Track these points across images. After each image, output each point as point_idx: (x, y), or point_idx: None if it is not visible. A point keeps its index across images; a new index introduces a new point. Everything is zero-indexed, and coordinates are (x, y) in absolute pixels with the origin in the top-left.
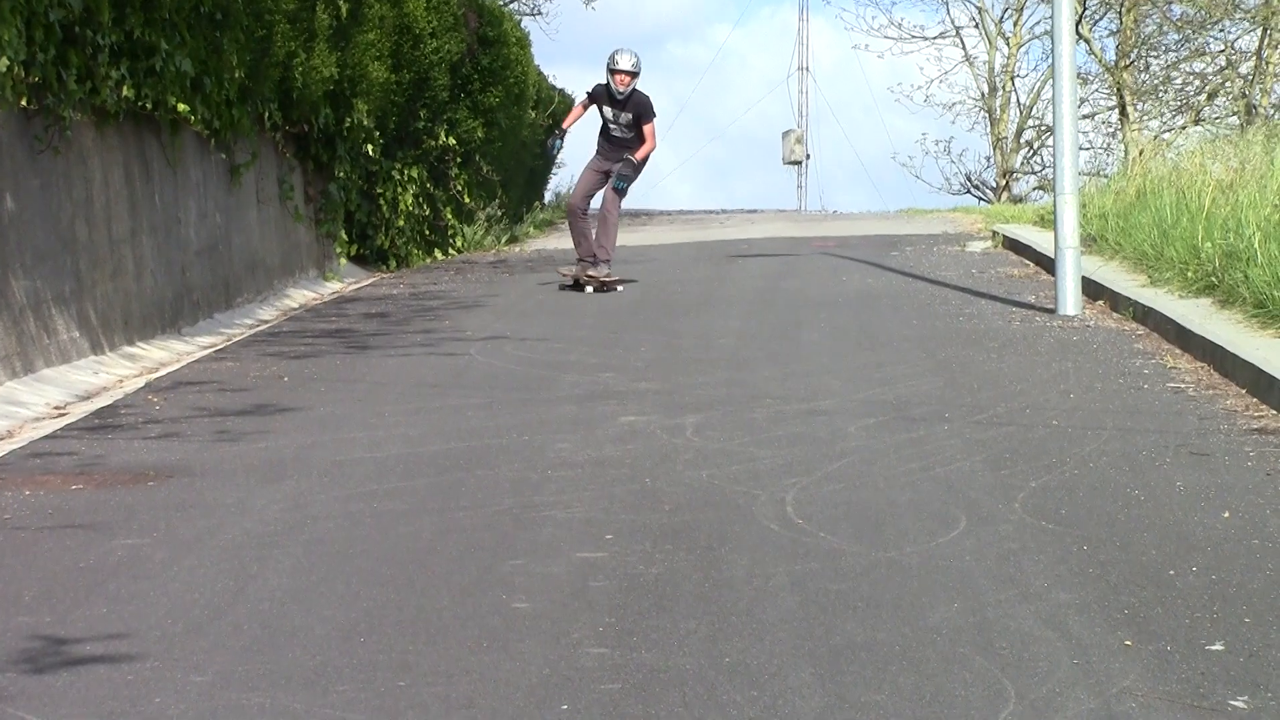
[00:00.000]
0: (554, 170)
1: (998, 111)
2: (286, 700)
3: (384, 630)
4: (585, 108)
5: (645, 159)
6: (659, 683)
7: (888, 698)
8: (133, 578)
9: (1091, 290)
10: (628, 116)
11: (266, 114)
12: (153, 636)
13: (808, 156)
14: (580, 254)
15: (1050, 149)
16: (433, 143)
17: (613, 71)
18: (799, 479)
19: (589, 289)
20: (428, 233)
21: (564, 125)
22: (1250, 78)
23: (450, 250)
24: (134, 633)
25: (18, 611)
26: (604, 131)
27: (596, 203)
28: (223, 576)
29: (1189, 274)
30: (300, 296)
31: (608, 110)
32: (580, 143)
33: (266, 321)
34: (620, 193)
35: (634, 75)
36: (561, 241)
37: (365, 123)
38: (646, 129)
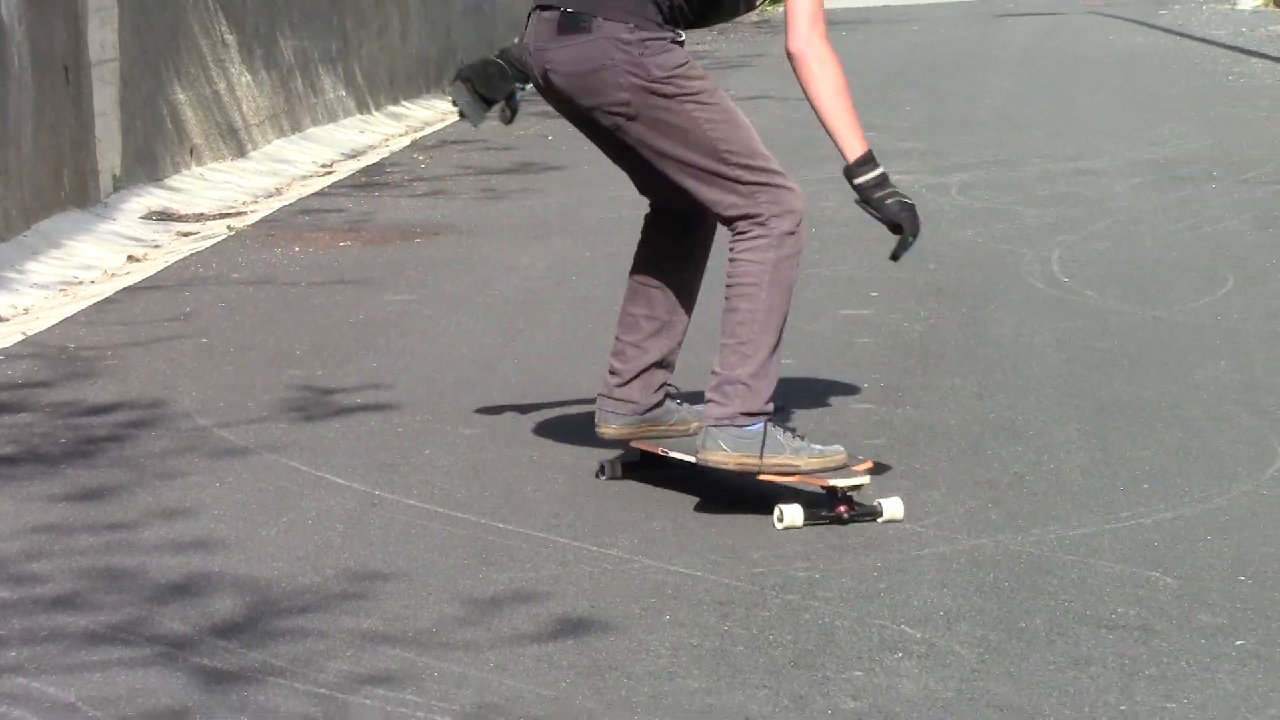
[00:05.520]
0: None
1: None
2: (556, 455)
3: None
4: None
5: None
6: (923, 438)
7: (1153, 453)
8: (402, 333)
9: None
10: None
11: None
12: (422, 390)
13: None
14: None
15: None
16: None
17: None
18: (1065, 237)
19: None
20: None
21: None
22: None
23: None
24: (404, 386)
25: (290, 364)
26: None
27: None
28: (490, 332)
29: None
30: None
31: None
32: None
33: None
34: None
35: None
36: None
37: None
38: None
